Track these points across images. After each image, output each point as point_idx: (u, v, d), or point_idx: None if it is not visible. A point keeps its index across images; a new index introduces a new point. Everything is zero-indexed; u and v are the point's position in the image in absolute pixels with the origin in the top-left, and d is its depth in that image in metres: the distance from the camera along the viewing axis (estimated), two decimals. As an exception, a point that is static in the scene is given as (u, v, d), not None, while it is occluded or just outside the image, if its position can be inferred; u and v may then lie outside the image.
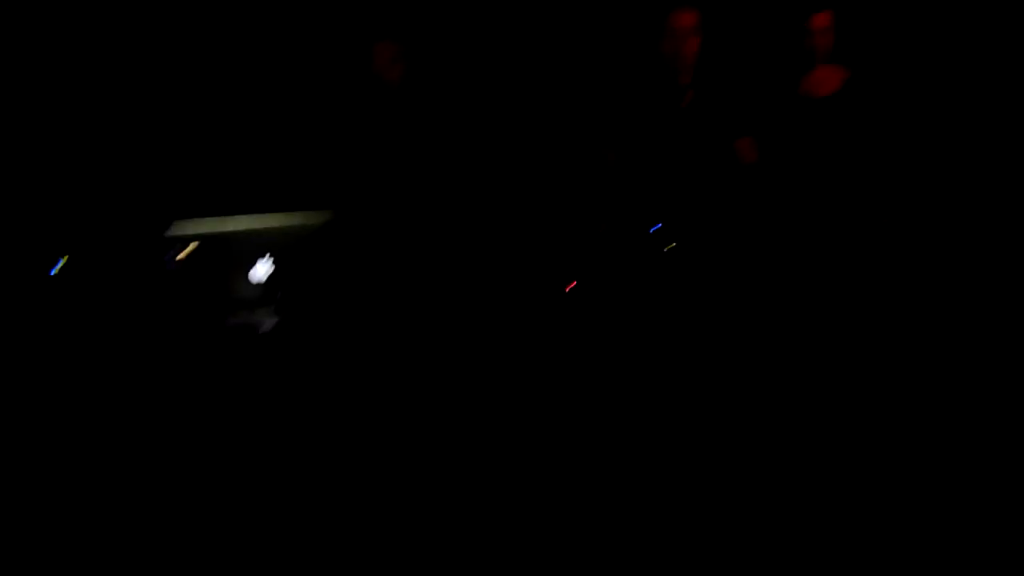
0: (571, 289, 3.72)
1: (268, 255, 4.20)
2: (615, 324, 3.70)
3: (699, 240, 3.71)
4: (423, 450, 3.32)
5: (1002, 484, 2.95)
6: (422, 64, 4.17)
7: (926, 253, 3.85)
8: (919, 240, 3.85)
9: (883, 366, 3.59)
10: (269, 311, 4.01)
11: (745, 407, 3.47)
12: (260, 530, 2.91)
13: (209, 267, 4.06)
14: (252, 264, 4.17)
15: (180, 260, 4.00)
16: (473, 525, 2.90)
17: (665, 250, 3.67)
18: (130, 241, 4.21)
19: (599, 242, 3.80)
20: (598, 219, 3.87)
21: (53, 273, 3.91)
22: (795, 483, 3.05)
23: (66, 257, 4.01)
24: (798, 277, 3.73)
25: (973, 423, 3.31)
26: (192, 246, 3.96)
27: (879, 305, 3.71)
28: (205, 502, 3.08)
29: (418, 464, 3.25)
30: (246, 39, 4.59)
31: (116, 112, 4.50)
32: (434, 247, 3.90)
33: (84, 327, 3.95)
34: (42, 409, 3.63)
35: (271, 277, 4.06)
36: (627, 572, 2.66)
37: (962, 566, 2.61)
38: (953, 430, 3.29)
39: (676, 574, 2.65)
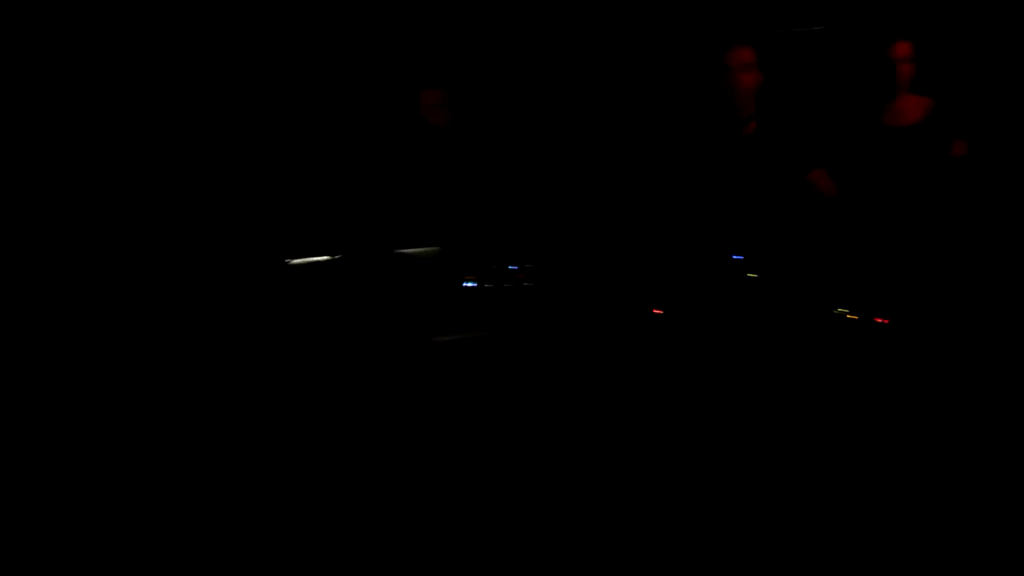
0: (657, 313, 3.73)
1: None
2: (691, 351, 3.68)
3: (779, 269, 3.70)
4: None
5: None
6: (467, 108, 4.32)
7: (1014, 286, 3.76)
8: (1008, 272, 3.76)
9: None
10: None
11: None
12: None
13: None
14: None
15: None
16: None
17: (747, 277, 3.66)
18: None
19: (671, 268, 3.81)
20: (664, 245, 3.90)
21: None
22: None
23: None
24: (882, 305, 3.67)
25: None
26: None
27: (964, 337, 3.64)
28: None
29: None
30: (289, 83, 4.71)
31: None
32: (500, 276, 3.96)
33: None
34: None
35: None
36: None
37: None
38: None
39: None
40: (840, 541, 2.78)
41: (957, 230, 3.72)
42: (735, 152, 3.90)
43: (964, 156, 3.82)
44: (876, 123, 3.89)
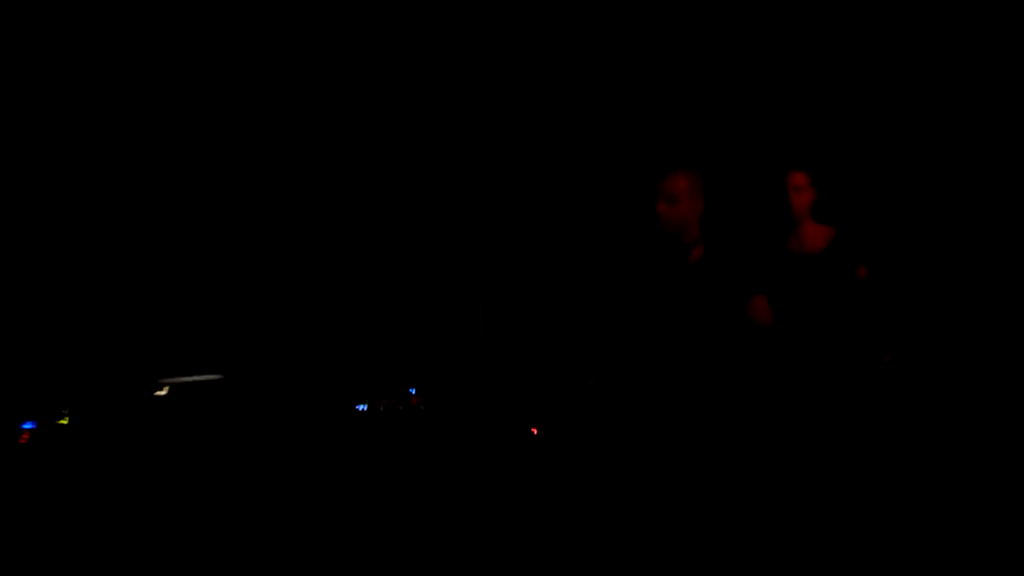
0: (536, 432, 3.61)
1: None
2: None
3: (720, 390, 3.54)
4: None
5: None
6: None
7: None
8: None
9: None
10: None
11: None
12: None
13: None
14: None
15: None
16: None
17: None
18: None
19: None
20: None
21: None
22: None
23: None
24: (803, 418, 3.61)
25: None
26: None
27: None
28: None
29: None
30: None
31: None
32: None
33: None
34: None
35: None
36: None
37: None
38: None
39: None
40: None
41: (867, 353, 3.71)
42: (680, 280, 3.71)
43: (866, 280, 3.85)
44: (783, 251, 3.91)
